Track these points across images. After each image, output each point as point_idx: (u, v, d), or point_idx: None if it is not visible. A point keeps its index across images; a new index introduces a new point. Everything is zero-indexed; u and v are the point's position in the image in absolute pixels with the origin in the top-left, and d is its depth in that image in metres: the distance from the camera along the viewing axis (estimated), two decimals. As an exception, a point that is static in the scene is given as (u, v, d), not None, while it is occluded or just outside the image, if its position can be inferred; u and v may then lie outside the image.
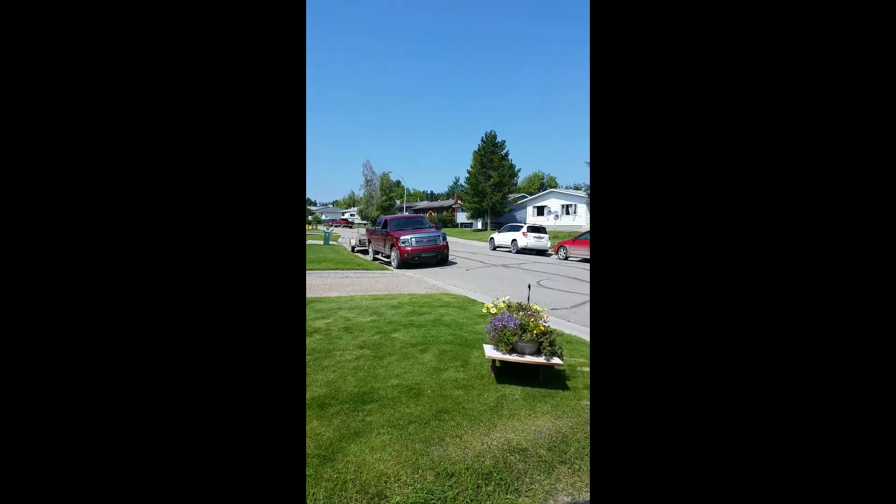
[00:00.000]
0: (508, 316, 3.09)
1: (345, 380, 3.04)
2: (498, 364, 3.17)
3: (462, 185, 41.60)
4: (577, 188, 37.13)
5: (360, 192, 53.31)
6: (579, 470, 2.00)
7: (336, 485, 1.83)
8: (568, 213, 32.23)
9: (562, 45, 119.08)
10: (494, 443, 2.20)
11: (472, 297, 6.73)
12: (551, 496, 1.82)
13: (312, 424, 2.36)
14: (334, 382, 2.99)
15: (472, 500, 1.77)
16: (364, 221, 48.20)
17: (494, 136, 35.68)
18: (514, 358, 3.00)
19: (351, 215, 68.15)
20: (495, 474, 1.93)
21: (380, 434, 2.27)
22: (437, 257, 11.61)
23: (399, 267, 11.16)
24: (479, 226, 37.53)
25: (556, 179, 63.03)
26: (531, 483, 1.90)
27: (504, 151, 35.52)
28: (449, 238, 13.66)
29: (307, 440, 2.18)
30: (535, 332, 3.00)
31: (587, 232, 15.67)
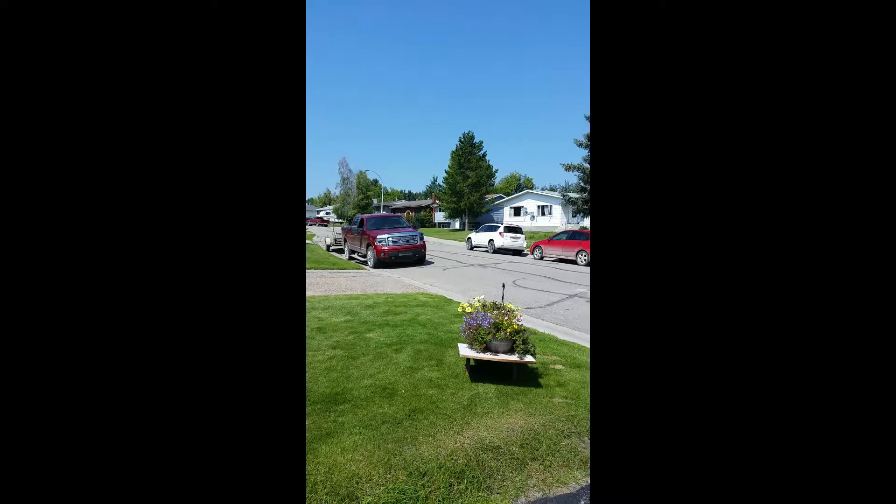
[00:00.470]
0: (483, 315, 3.10)
1: (316, 380, 2.99)
2: (472, 363, 3.18)
3: (440, 185, 41.65)
4: (552, 190, 37.72)
5: (336, 191, 52.65)
6: (550, 466, 2.03)
7: (306, 487, 1.80)
8: (544, 213, 32.72)
9: (538, 47, 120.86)
10: (468, 441, 2.21)
11: (449, 297, 6.74)
12: (523, 492, 1.84)
13: (282, 426, 2.31)
14: (306, 383, 2.93)
15: (444, 499, 1.77)
16: (340, 220, 47.62)
17: (472, 137, 35.85)
18: (488, 356, 3.02)
19: (326, 214, 67.11)
20: (468, 472, 1.94)
21: (352, 435, 2.24)
22: (415, 257, 11.57)
23: (376, 266, 11.07)
24: (457, 226, 37.64)
25: (533, 181, 63.89)
26: (503, 480, 1.91)
27: (482, 152, 35.73)
28: (427, 238, 13.64)
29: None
30: (508, 330, 3.03)
31: (562, 232, 15.95)
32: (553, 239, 15.29)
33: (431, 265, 11.87)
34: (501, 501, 1.78)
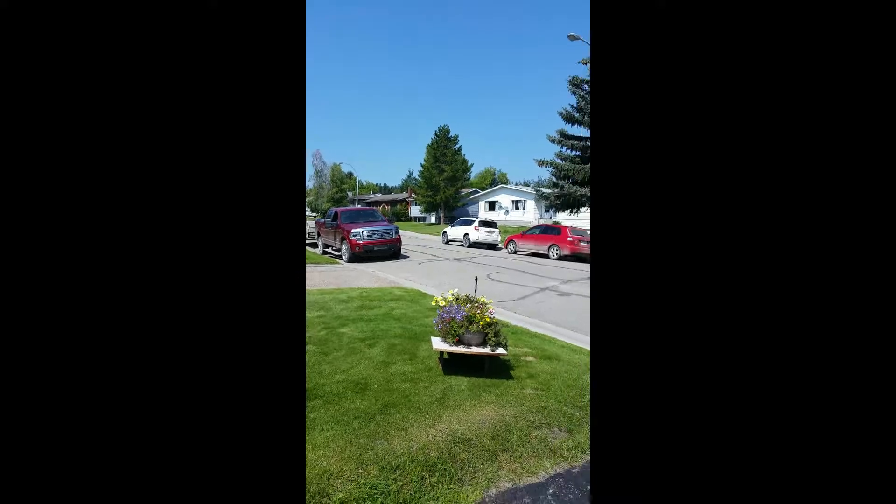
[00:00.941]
0: (456, 308, 3.12)
1: (287, 377, 2.94)
2: (445, 356, 3.20)
3: (416, 179, 41.42)
4: (526, 185, 38.17)
5: (309, 184, 51.52)
6: (521, 456, 2.07)
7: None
8: (518, 208, 33.09)
9: (516, 46, 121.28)
10: (440, 434, 2.23)
11: (424, 291, 6.74)
12: (493, 483, 1.87)
13: (251, 424, 2.26)
14: (276, 380, 2.87)
15: (415, 492, 1.78)
16: (314, 214, 46.72)
17: (447, 131, 35.77)
18: (460, 349, 3.04)
19: (299, 207, 65.34)
20: (439, 465, 1.95)
21: (323, 430, 2.21)
22: (390, 251, 11.49)
23: (350, 261, 10.93)
24: (433, 220, 37.59)
25: (507, 176, 64.40)
26: (474, 472, 1.94)
27: (457, 146, 35.72)
28: (402, 231, 13.56)
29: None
30: (481, 323, 3.05)
31: (535, 227, 16.18)
32: (526, 233, 15.49)
33: (407, 259, 11.83)
34: (472, 493, 1.80)
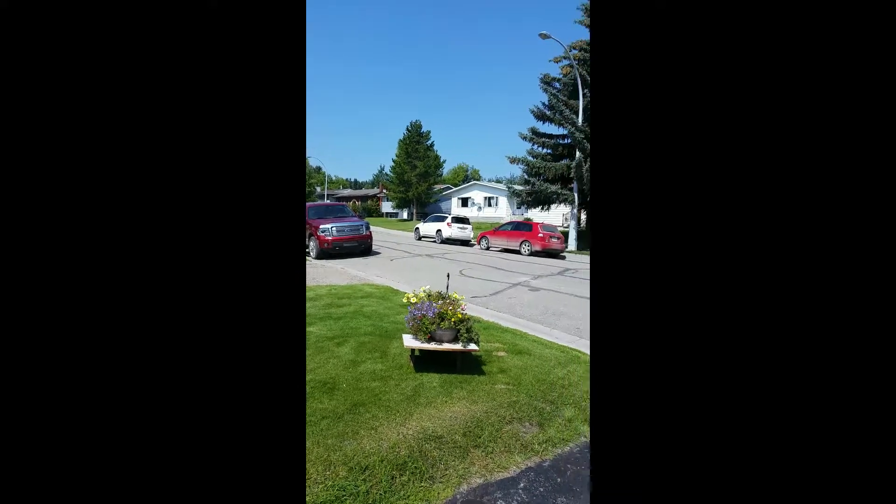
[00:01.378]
0: (428, 305, 3.08)
1: (252, 377, 2.83)
2: (417, 353, 3.16)
3: (387, 174, 41.00)
4: (498, 181, 38.48)
5: (277, 178, 49.93)
6: (492, 452, 2.07)
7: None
8: (490, 205, 33.32)
9: (490, 43, 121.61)
10: (410, 432, 2.19)
11: (396, 287, 6.67)
12: (465, 480, 1.85)
13: (211, 428, 2.16)
14: (240, 381, 2.76)
15: (385, 492, 1.74)
16: (282, 209, 45.31)
17: (420, 126, 35.56)
18: (432, 346, 3.01)
19: (267, 202, 63.46)
20: (410, 464, 1.92)
21: (289, 433, 2.14)
22: (360, 247, 11.31)
23: (319, 257, 10.69)
24: (405, 216, 37.34)
25: (480, 172, 64.72)
26: (446, 469, 1.91)
27: (429, 142, 35.59)
28: (373, 228, 13.37)
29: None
30: (453, 319, 3.03)
31: (507, 223, 16.34)
32: (499, 230, 15.62)
33: (378, 256, 11.68)
34: (443, 490, 1.78)
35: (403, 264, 10.22)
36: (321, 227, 10.76)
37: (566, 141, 17.95)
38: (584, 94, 16.17)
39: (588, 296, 6.95)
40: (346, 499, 1.68)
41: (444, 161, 36.98)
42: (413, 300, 3.22)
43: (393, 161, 36.15)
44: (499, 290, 7.10)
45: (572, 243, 16.34)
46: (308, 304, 5.13)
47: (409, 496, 1.73)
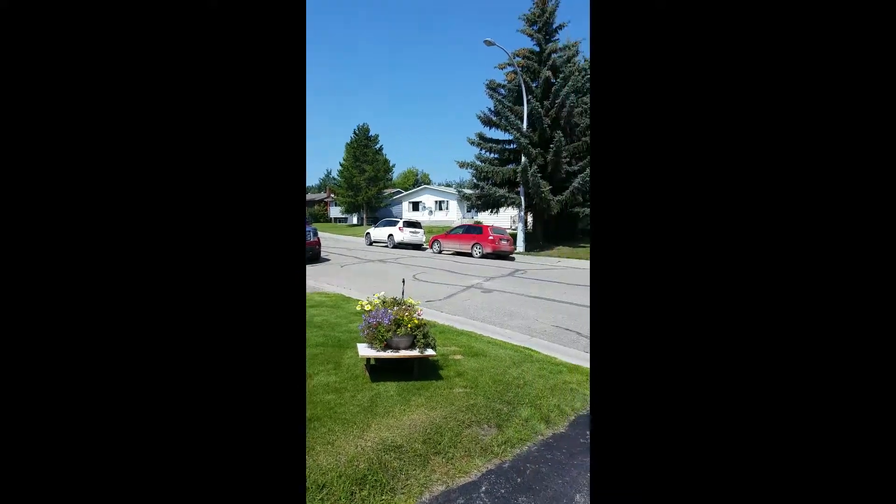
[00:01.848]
0: (383, 312, 3.03)
1: (194, 399, 2.62)
2: (373, 362, 3.09)
3: (335, 179, 40.01)
4: (448, 185, 38.84)
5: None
6: (453, 458, 2.06)
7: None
8: (441, 208, 33.53)
9: (440, 47, 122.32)
10: (369, 444, 2.13)
11: (347, 295, 6.50)
12: (426, 489, 1.83)
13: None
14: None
15: (344, 510, 1.67)
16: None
17: (367, 129, 35.06)
18: (388, 354, 2.96)
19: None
20: (370, 477, 1.87)
21: (237, 455, 2.00)
22: (308, 254, 10.93)
23: (264, 266, 10.19)
24: (355, 221, 36.59)
25: (430, 176, 64.95)
26: (407, 479, 1.88)
27: (378, 145, 35.18)
28: (322, 234, 12.97)
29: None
30: (409, 325, 3.00)
31: (459, 227, 16.51)
32: (450, 233, 15.74)
33: (328, 262, 11.34)
34: (405, 501, 1.74)
35: (355, 271, 10.00)
36: (266, 234, 10.26)
37: (512, 146, 18.46)
38: (527, 101, 16.73)
39: (537, 295, 7.18)
40: (302, 521, 1.60)
41: (394, 165, 36.69)
42: (367, 307, 3.15)
43: (340, 165, 35.33)
44: (453, 293, 7.14)
45: (521, 245, 16.81)
46: (254, 316, 4.87)
47: (369, 511, 1.68)
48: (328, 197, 44.21)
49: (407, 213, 34.86)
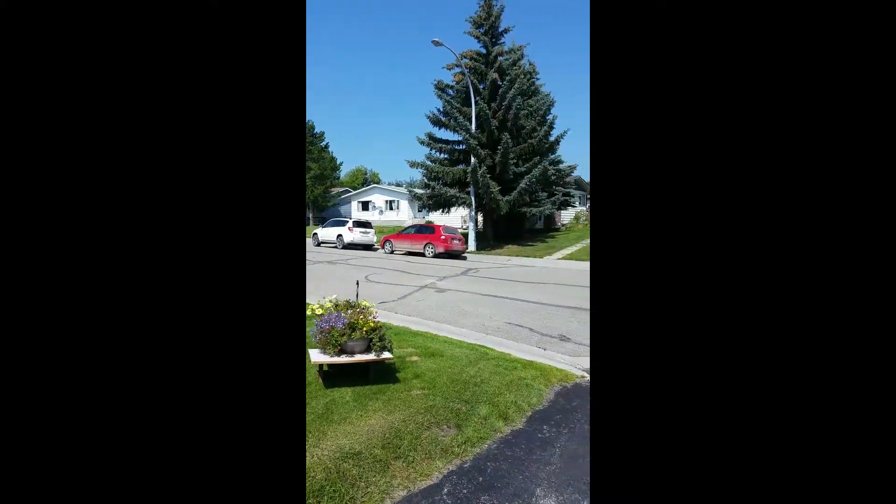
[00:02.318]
0: (336, 316, 2.93)
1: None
2: (326, 368, 2.98)
3: (279, 178, 38.20)
4: (398, 185, 38.51)
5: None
6: (413, 461, 2.03)
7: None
8: (392, 208, 33.18)
9: (389, 46, 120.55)
10: (325, 453, 2.05)
11: (295, 298, 6.23)
12: (387, 495, 1.79)
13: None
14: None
15: (302, 525, 1.59)
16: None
17: (312, 127, 33.95)
18: (343, 359, 2.87)
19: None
20: (328, 487, 1.79)
21: (179, 477, 1.84)
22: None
23: (203, 270, 9.54)
24: (301, 221, 35.23)
25: (380, 176, 64.04)
26: (367, 487, 1.83)
27: (324, 143, 34.18)
28: (265, 235, 12.34)
29: None
30: (364, 329, 2.93)
31: (410, 227, 16.43)
32: (402, 233, 15.62)
33: (273, 265, 10.82)
34: (366, 510, 1.69)
35: (303, 273, 9.62)
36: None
37: (462, 147, 18.66)
38: (475, 102, 16.98)
39: (490, 293, 7.30)
40: (256, 541, 1.50)
41: (342, 163, 35.90)
42: (319, 311, 3.03)
43: (285, 163, 33.84)
44: (407, 294, 7.08)
45: (472, 244, 17.05)
46: (193, 325, 4.53)
47: (329, 524, 1.61)
48: (272, 196, 42.18)
49: (356, 213, 34.14)
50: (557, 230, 22.03)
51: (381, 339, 2.99)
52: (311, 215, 33.41)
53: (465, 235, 17.07)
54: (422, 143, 19.28)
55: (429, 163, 18.89)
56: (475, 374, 3.17)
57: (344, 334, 2.88)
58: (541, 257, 14.77)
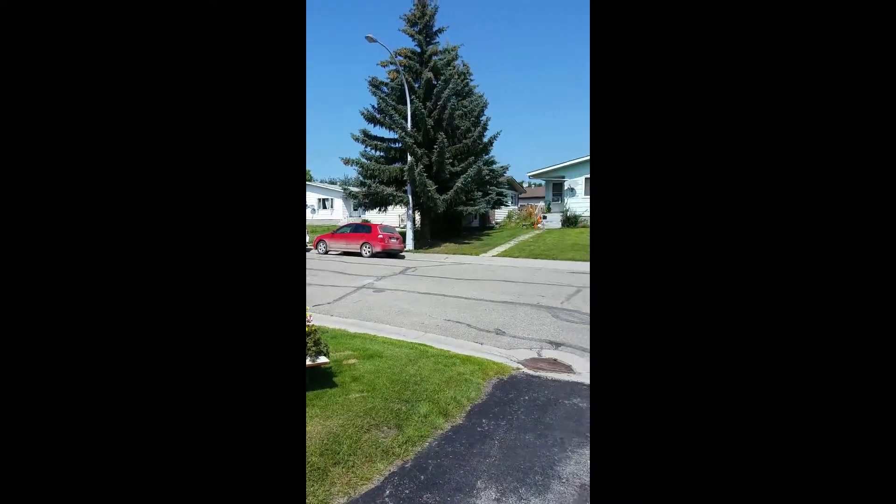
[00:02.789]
0: (266, 320, 2.76)
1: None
2: (257, 376, 2.81)
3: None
4: (332, 183, 37.31)
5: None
6: (353, 466, 1.98)
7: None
8: (325, 206, 32.03)
9: (317, 40, 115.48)
10: (257, 468, 1.93)
11: (221, 304, 5.79)
12: (326, 503, 1.73)
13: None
14: None
15: (232, 547, 1.48)
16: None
17: (238, 121, 31.72)
18: (275, 366, 2.71)
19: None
20: None
21: None
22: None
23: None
24: (225, 221, 32.82)
25: (312, 173, 61.48)
26: (305, 497, 1.74)
27: (251, 138, 32.08)
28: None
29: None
30: (298, 333, 2.79)
31: (346, 226, 15.99)
32: (337, 232, 15.16)
33: (194, 269, 9.97)
34: (304, 523, 1.61)
35: (229, 276, 8.97)
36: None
37: (398, 145, 18.51)
38: (410, 101, 16.93)
39: (429, 291, 7.33)
40: (178, 571, 1.37)
41: (270, 160, 33.82)
42: (248, 317, 2.84)
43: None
44: (343, 295, 6.88)
45: (410, 243, 16.99)
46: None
47: (262, 542, 1.51)
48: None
49: (287, 213, 32.44)
50: (492, 228, 22.66)
51: (317, 343, 2.88)
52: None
53: (403, 234, 16.96)
54: (356, 139, 18.84)
55: (364, 160, 18.50)
56: (415, 373, 3.16)
57: (276, 340, 2.73)
58: (477, 255, 15.11)
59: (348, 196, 20.81)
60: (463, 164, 17.65)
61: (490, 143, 19.33)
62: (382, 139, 19.30)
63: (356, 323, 5.01)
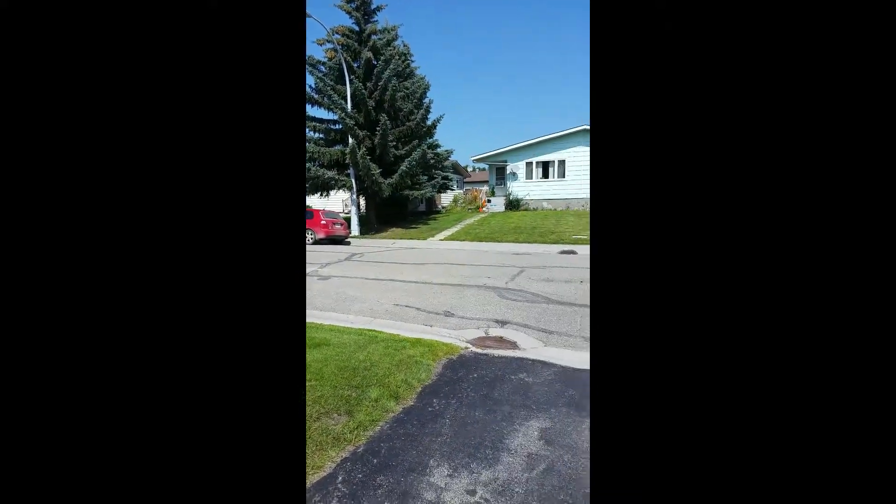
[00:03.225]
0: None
1: None
2: (193, 373, 2.63)
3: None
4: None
5: None
6: (312, 467, 1.93)
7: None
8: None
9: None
10: (198, 468, 1.82)
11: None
12: None
13: None
14: None
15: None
16: None
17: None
18: (213, 361, 2.56)
19: None
20: None
21: None
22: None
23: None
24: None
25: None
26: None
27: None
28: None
29: None
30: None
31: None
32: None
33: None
34: (252, 519, 1.56)
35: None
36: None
37: (338, 127, 17.85)
38: (350, 81, 16.32)
39: (376, 277, 7.25)
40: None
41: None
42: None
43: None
44: (285, 285, 6.60)
45: (355, 229, 16.62)
46: None
47: (207, 543, 1.44)
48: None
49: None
50: (438, 212, 22.74)
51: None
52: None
53: (348, 220, 16.53)
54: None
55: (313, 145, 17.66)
56: (364, 359, 3.13)
57: (212, 333, 2.57)
58: (424, 239, 15.11)
59: (287, 181, 19.84)
60: (407, 148, 17.43)
61: (434, 126, 19.20)
62: (322, 120, 18.53)
63: (301, 312, 4.84)
